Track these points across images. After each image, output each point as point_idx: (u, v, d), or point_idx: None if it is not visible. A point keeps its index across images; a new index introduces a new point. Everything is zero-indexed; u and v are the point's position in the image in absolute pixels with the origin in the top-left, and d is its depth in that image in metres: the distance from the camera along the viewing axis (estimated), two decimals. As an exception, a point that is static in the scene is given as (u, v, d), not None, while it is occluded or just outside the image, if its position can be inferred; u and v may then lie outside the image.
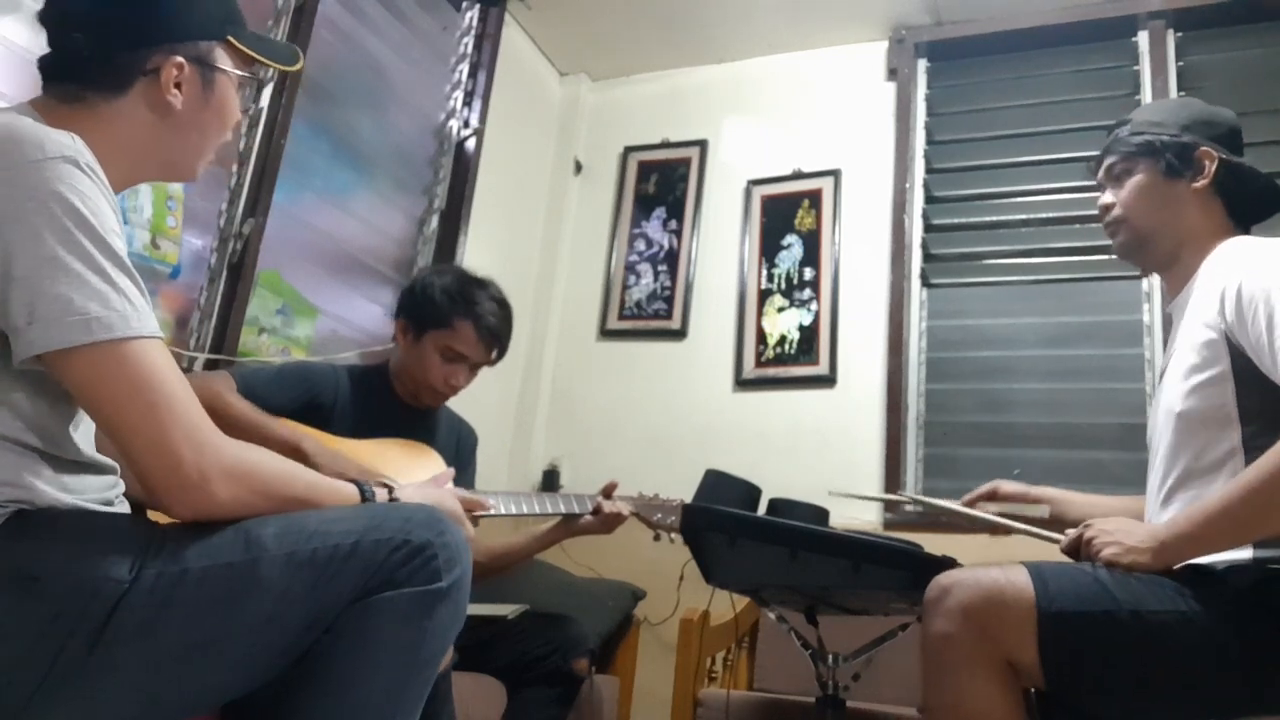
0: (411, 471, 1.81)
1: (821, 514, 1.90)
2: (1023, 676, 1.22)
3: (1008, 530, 1.54)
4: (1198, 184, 1.42)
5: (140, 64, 1.04)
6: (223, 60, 1.11)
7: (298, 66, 1.21)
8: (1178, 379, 1.35)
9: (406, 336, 1.98)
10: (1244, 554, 1.23)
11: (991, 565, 1.25)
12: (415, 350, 1.96)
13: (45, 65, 1.05)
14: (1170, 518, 1.29)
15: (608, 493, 2.04)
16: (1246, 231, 1.46)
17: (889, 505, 2.82)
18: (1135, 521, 1.33)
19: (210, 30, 1.09)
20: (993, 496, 1.62)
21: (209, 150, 1.14)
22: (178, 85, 1.05)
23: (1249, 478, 1.17)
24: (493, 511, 1.91)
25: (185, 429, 0.89)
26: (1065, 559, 1.34)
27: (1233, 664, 1.17)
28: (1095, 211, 1.56)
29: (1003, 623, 1.19)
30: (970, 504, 1.62)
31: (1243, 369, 1.26)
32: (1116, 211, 1.49)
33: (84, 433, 0.98)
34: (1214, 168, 1.42)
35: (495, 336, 1.98)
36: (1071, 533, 1.36)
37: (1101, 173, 1.53)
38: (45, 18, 1.06)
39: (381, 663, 0.92)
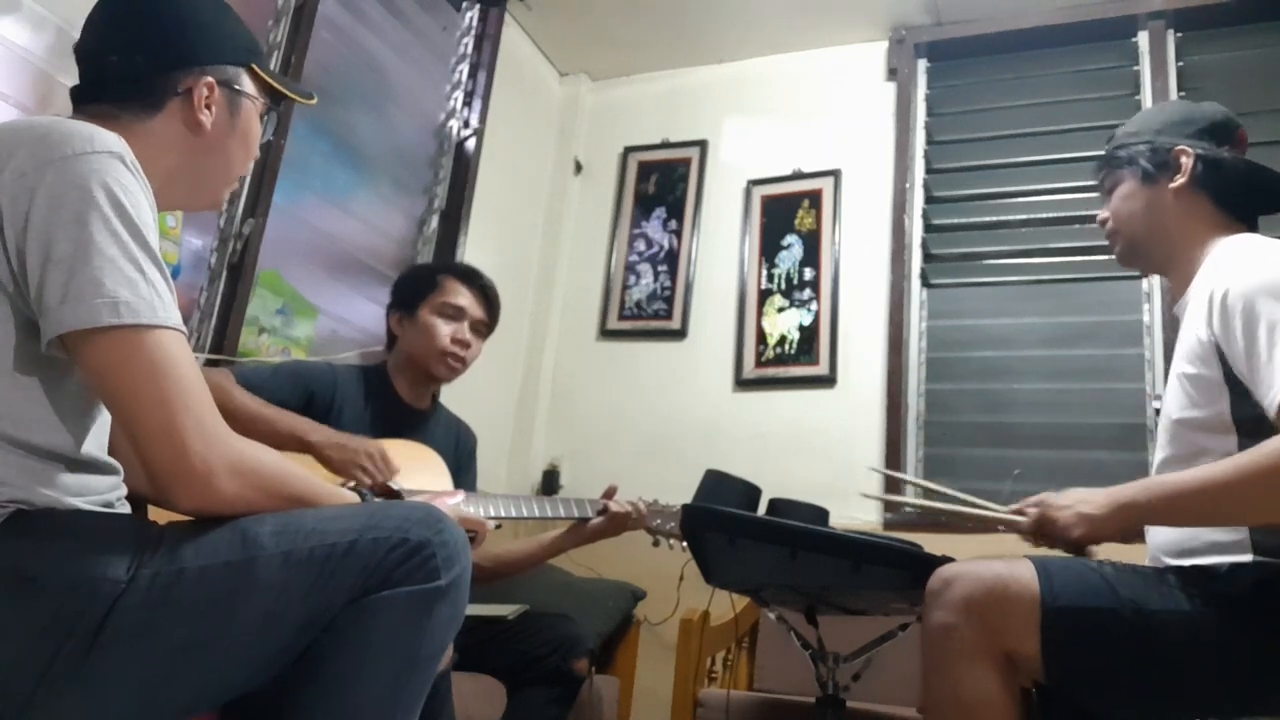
0: (411, 472, 1.81)
1: (821, 514, 1.90)
2: (1022, 670, 1.22)
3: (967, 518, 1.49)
4: (1175, 184, 1.41)
5: (173, 85, 1.09)
6: (247, 86, 1.16)
7: (313, 102, 1.29)
8: (1176, 386, 1.36)
9: (403, 323, 2.03)
10: (1246, 555, 1.23)
11: (994, 559, 1.26)
12: (414, 327, 2.01)
13: (77, 92, 1.09)
14: (1138, 483, 1.29)
15: (608, 496, 2.04)
16: (1251, 225, 1.42)
17: (889, 505, 2.81)
18: (1091, 490, 1.33)
19: (236, 56, 1.16)
20: None
21: (233, 177, 1.19)
22: (208, 105, 1.11)
23: (1235, 466, 1.18)
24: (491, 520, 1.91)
25: (196, 420, 0.89)
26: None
27: (1234, 663, 1.18)
28: (1095, 211, 1.58)
29: (1005, 615, 1.20)
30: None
31: (1236, 378, 1.26)
32: (1110, 224, 1.52)
33: (92, 431, 0.98)
34: (1191, 164, 1.41)
35: (483, 286, 2.06)
36: (1031, 513, 1.36)
37: (1100, 190, 1.56)
38: (79, 49, 1.10)
39: (380, 661, 0.92)
